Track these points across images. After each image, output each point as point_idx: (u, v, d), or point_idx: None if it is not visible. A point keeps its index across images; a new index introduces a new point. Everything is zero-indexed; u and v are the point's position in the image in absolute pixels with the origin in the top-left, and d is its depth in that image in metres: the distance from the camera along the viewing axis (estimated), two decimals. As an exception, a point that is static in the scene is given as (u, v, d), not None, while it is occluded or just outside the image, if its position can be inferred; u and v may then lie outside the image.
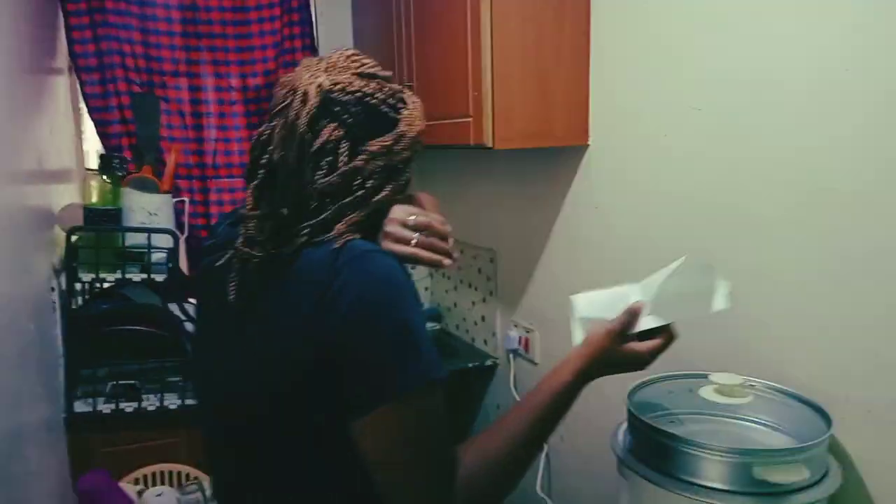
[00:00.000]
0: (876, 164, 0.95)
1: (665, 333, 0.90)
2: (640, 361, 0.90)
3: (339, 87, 0.81)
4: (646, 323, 0.90)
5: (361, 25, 2.32)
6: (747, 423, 1.04)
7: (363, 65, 0.84)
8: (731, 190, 1.18)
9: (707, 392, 1.04)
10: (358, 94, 0.81)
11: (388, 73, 0.87)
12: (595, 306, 0.95)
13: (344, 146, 0.80)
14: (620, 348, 0.89)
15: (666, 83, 1.31)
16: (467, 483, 0.78)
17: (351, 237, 0.78)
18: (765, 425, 1.03)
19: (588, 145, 1.55)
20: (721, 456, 0.91)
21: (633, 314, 0.90)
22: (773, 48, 1.08)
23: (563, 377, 0.86)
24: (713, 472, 0.91)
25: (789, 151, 1.07)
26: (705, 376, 1.06)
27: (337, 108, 0.80)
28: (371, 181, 0.81)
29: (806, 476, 0.88)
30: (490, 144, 1.46)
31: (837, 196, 1.00)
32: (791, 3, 1.05)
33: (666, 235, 1.35)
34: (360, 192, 0.81)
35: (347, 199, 0.80)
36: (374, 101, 0.82)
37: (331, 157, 0.79)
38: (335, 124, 0.79)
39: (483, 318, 2.17)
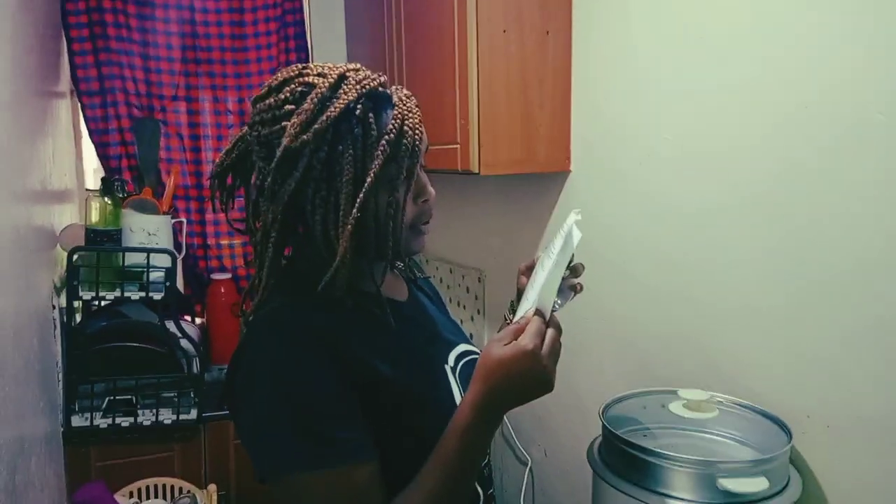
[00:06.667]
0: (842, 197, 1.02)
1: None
2: (532, 359, 0.80)
3: None
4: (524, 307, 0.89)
5: (355, 54, 2.40)
6: (713, 437, 1.10)
7: None
8: (703, 215, 1.25)
9: (676, 407, 1.10)
10: None
11: None
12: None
13: None
14: (507, 354, 0.81)
15: (641, 117, 1.38)
16: None
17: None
18: (730, 438, 1.09)
19: (570, 171, 1.63)
20: (687, 467, 0.96)
21: (519, 331, 0.83)
22: (752, 82, 1.13)
23: (465, 416, 0.82)
24: (680, 482, 0.96)
25: (763, 184, 1.13)
26: (675, 392, 1.12)
27: None
28: None
29: (766, 486, 0.94)
30: (476, 171, 1.53)
31: (802, 223, 1.07)
32: (771, 29, 1.10)
33: (642, 257, 1.42)
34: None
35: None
36: None
37: None
38: None
39: (471, 336, 2.23)
